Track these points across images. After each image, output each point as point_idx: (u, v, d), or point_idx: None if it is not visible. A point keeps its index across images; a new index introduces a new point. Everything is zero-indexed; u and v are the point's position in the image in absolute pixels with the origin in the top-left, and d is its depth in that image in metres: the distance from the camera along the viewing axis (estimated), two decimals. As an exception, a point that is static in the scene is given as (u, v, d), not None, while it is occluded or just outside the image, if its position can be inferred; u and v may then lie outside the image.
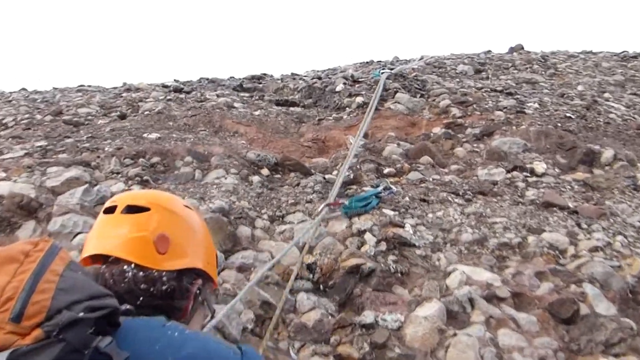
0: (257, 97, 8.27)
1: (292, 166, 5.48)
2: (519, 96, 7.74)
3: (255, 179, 5.11)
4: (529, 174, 5.44)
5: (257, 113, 7.39)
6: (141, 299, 1.25)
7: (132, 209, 1.36)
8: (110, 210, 1.38)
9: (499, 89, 8.16)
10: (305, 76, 10.10)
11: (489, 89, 8.15)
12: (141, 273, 1.28)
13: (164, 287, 1.28)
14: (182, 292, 1.32)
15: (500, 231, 4.33)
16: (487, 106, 7.26)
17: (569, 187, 5.25)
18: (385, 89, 7.93)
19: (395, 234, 4.16)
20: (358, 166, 5.47)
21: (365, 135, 6.29)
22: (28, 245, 1.06)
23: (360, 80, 8.77)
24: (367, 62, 12.41)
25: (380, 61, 12.35)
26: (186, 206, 1.47)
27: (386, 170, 5.51)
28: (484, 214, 4.59)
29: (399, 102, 7.49)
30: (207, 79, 9.84)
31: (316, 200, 4.79)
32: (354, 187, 5.09)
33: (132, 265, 1.28)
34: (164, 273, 1.29)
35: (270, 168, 5.46)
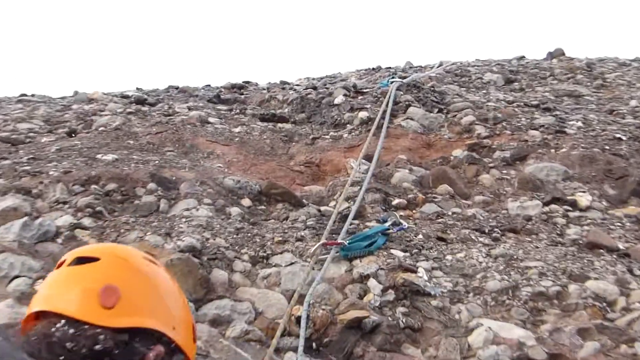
0: (237, 111, 8.37)
1: (280, 195, 5.54)
2: (558, 112, 7.86)
3: (234, 210, 5.16)
4: (570, 208, 5.50)
5: (237, 130, 7.48)
6: (61, 359, 1.23)
7: (81, 261, 1.40)
8: (60, 265, 1.42)
9: (535, 103, 8.28)
10: (297, 85, 10.22)
11: (522, 104, 8.26)
12: (71, 330, 1.27)
13: (97, 347, 1.26)
14: (129, 356, 1.30)
15: (535, 278, 4.37)
16: (519, 124, 7.36)
17: (619, 224, 5.31)
18: (396, 101, 8.03)
19: (406, 280, 4.20)
20: (361, 196, 5.53)
21: (370, 159, 6.37)
22: None
23: (364, 90, 8.88)
24: (373, 69, 12.56)
25: (389, 68, 12.48)
26: (149, 260, 1.48)
27: (395, 202, 5.58)
28: (515, 257, 4.64)
29: (411, 118, 7.59)
30: (177, 88, 9.95)
31: (309, 237, 4.84)
32: (356, 222, 5.15)
33: (63, 321, 1.28)
34: (99, 330, 1.28)
35: (253, 198, 5.51)
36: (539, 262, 4.57)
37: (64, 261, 1.42)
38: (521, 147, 6.70)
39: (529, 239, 5.01)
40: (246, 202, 5.43)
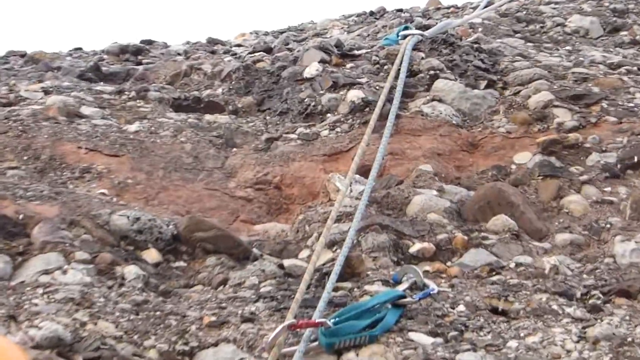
0: (132, 94, 8.38)
1: (212, 242, 5.53)
2: (700, 83, 7.99)
3: (131, 272, 5.14)
4: None
5: (133, 128, 7.48)
6: None
7: None
8: None
9: (658, 67, 8.41)
10: (237, 46, 10.30)
11: (635, 68, 8.37)
12: None
13: None
14: None
15: (665, 375, 4.40)
16: (632, 104, 7.46)
17: None
18: (412, 71, 8.11)
19: (438, 385, 4.22)
20: (355, 239, 5.55)
21: (369, 173, 6.38)
22: None
23: (356, 53, 8.95)
24: (370, 14, 12.68)
25: (399, 11, 12.60)
26: None
27: (415, 248, 5.60)
28: (629, 339, 4.67)
29: (440, 100, 7.67)
30: (23, 56, 9.94)
31: (264, 315, 4.84)
32: (347, 285, 5.16)
33: None
34: None
35: (164, 247, 5.50)
36: (671, 347, 4.60)
37: None
38: (636, 145, 6.78)
39: (653, 308, 5.04)
40: (152, 255, 5.42)
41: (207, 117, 7.94)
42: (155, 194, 6.41)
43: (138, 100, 8.23)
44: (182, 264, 5.47)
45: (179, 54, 10.06)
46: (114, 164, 6.74)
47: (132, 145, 7.12)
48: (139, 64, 9.56)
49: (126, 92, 8.43)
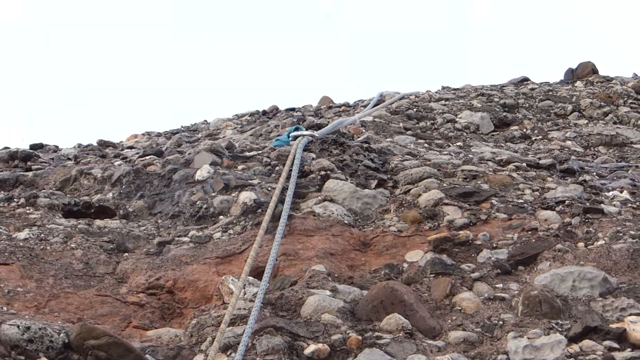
0: (22, 201, 8.34)
1: (104, 349, 5.49)
2: (588, 177, 8.21)
3: (21, 382, 5.10)
4: (616, 345, 5.60)
5: (22, 236, 7.43)
6: None
7: None
8: None
9: (547, 161, 8.62)
10: (128, 148, 10.30)
11: (524, 164, 8.58)
12: None
13: None
14: None
15: None
16: (521, 201, 7.65)
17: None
18: (304, 171, 8.19)
19: None
20: (249, 342, 5.59)
21: (262, 274, 6.44)
22: None
23: (247, 154, 9.02)
24: (263, 113, 12.75)
25: (292, 109, 12.70)
26: None
27: (310, 349, 5.63)
28: None
29: (332, 200, 7.78)
30: None
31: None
32: (242, 389, 5.18)
33: None
34: None
35: (55, 356, 5.43)
36: None
37: None
38: (526, 241, 6.96)
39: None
40: (43, 365, 5.38)
41: (98, 222, 7.92)
42: (45, 302, 6.37)
43: (27, 207, 8.18)
44: (74, 373, 5.44)
45: (69, 159, 10.01)
46: (4, 273, 6.68)
47: (22, 253, 7.06)
48: (29, 169, 9.49)
49: (15, 199, 8.37)
